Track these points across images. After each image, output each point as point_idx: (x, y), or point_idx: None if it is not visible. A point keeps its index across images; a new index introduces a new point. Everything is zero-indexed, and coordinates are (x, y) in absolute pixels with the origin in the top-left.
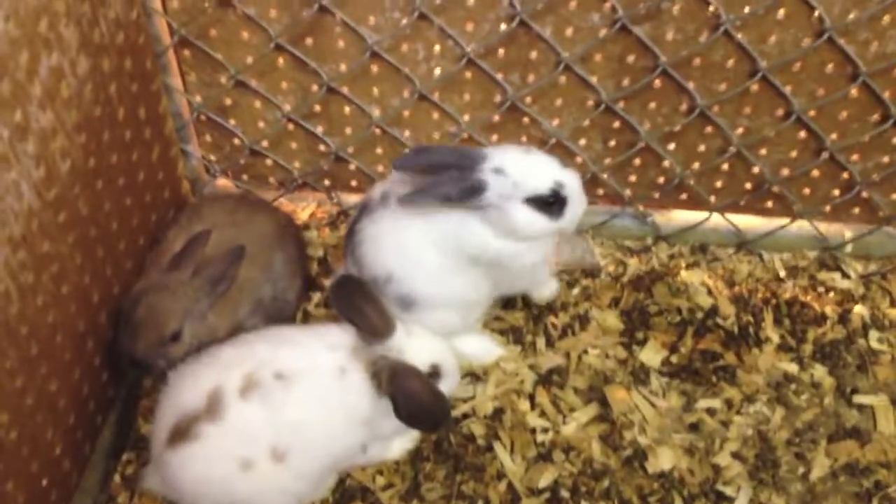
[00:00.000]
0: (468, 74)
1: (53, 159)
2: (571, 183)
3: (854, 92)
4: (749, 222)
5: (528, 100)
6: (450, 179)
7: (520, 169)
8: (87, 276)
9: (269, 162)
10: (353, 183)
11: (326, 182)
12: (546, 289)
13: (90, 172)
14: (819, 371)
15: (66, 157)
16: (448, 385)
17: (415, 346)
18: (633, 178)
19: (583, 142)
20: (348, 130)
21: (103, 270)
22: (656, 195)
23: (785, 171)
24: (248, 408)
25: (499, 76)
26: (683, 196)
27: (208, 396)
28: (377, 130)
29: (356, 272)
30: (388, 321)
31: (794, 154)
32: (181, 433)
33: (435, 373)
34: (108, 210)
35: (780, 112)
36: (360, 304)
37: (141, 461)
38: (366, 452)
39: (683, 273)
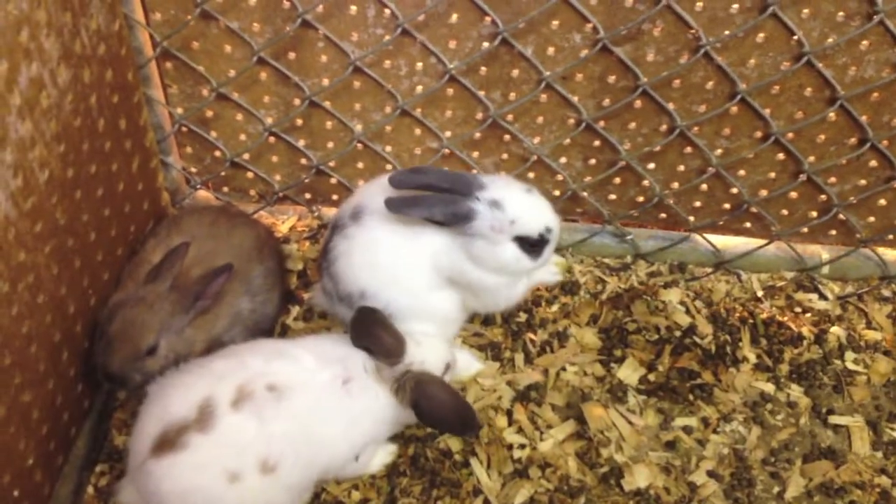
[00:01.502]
0: (450, 91)
1: (31, 169)
2: (556, 228)
3: (832, 115)
4: (727, 242)
5: (510, 117)
6: (440, 201)
7: (520, 208)
8: (64, 287)
9: (249, 174)
10: (335, 196)
11: (307, 195)
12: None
13: (68, 182)
14: (795, 391)
15: (44, 167)
16: (455, 371)
17: (428, 353)
18: (612, 197)
19: (563, 160)
20: (330, 144)
21: (80, 281)
22: (636, 214)
23: (763, 192)
24: (240, 419)
25: (481, 93)
26: (663, 215)
27: (199, 406)
28: (359, 145)
29: (332, 289)
30: (401, 340)
31: (772, 175)
32: (167, 442)
33: (448, 368)
34: (86, 220)
35: (758, 134)
36: (376, 331)
37: (115, 473)
38: (357, 461)
39: (662, 291)
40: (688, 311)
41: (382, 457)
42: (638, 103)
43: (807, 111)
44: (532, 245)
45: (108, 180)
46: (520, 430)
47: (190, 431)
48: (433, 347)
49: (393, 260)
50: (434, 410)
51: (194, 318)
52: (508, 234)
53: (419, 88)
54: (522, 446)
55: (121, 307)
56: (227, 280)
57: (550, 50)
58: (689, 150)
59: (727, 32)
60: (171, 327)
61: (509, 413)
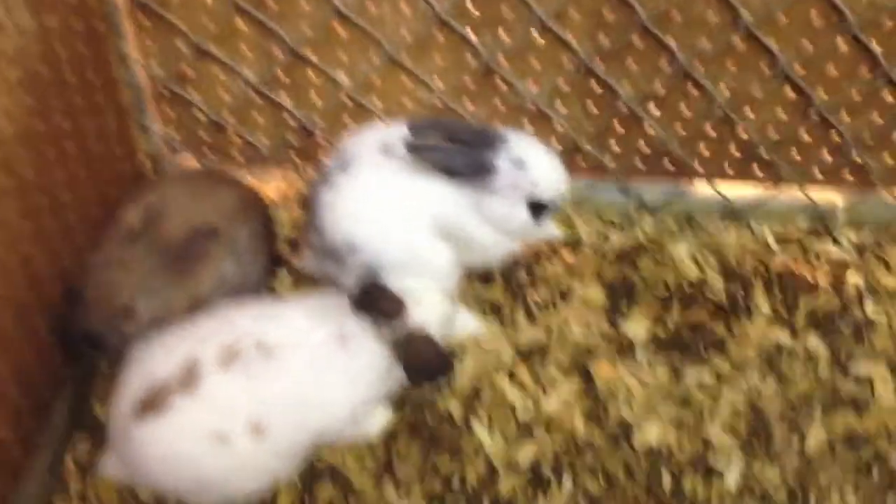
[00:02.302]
0: (440, 37)
1: None
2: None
3: (843, 46)
4: (737, 192)
5: (504, 62)
6: (462, 152)
7: (541, 171)
8: (36, 248)
9: (234, 137)
10: (324, 158)
11: (294, 156)
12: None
13: (37, 137)
14: (813, 341)
15: (10, 118)
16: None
17: (427, 312)
18: (614, 147)
19: (561, 108)
20: (316, 101)
21: (53, 242)
22: (639, 164)
23: (773, 134)
24: (227, 379)
25: (472, 36)
26: (668, 166)
27: (183, 366)
28: (346, 100)
29: (318, 243)
30: (399, 303)
31: (782, 115)
32: (150, 404)
33: (447, 323)
34: (58, 179)
35: (765, 69)
36: (375, 304)
37: (96, 446)
38: (355, 424)
39: (669, 245)
40: (697, 265)
41: (379, 421)
42: (637, 42)
43: (816, 42)
44: (542, 209)
45: (82, 138)
46: (523, 390)
47: (174, 392)
48: (433, 304)
49: (384, 209)
50: (413, 362)
51: (175, 280)
52: (526, 196)
53: (406, 35)
54: (526, 405)
55: (97, 268)
56: (209, 242)
57: None
58: (693, 91)
59: None
60: (149, 288)
61: (511, 373)
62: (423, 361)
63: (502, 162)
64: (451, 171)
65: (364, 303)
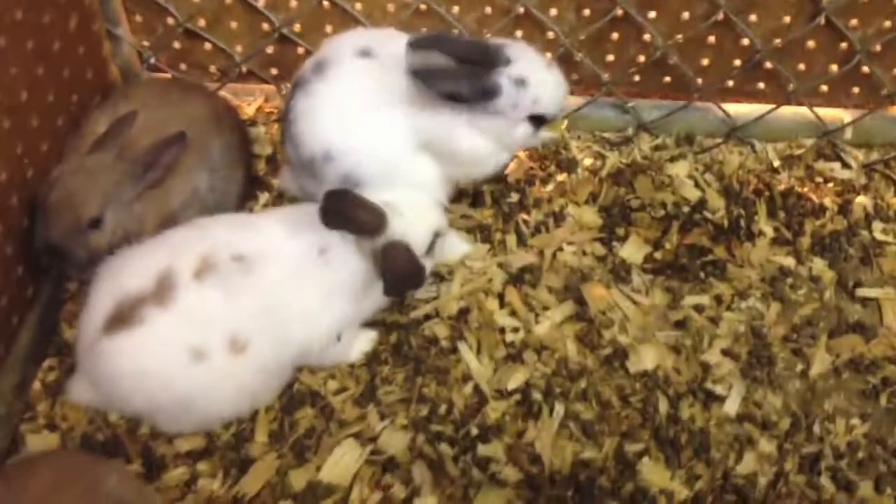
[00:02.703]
0: None
1: None
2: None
3: None
4: (740, 109)
5: None
6: (466, 75)
7: (543, 87)
8: None
9: (207, 46)
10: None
11: (273, 71)
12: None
13: None
14: (818, 264)
15: None
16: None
17: (411, 224)
18: (610, 58)
19: (553, 11)
20: (293, 3)
21: (12, 146)
22: (637, 78)
23: (777, 42)
24: (203, 291)
25: None
26: (667, 78)
27: (157, 278)
28: (325, 3)
29: (293, 155)
30: (380, 216)
31: (786, 19)
32: (122, 318)
33: (437, 237)
34: (13, 75)
35: None
36: (349, 213)
37: (64, 368)
38: (339, 342)
39: (668, 165)
40: (697, 185)
41: (362, 344)
42: None
43: None
44: (540, 121)
45: (39, 33)
46: (513, 314)
47: (147, 305)
48: (418, 217)
49: (364, 116)
50: (386, 272)
51: (144, 192)
52: (525, 112)
53: None
54: (516, 329)
55: (61, 178)
56: (180, 150)
57: None
58: None
59: None
60: (117, 199)
61: (501, 296)
62: (395, 271)
63: (504, 82)
64: (455, 97)
65: (335, 215)
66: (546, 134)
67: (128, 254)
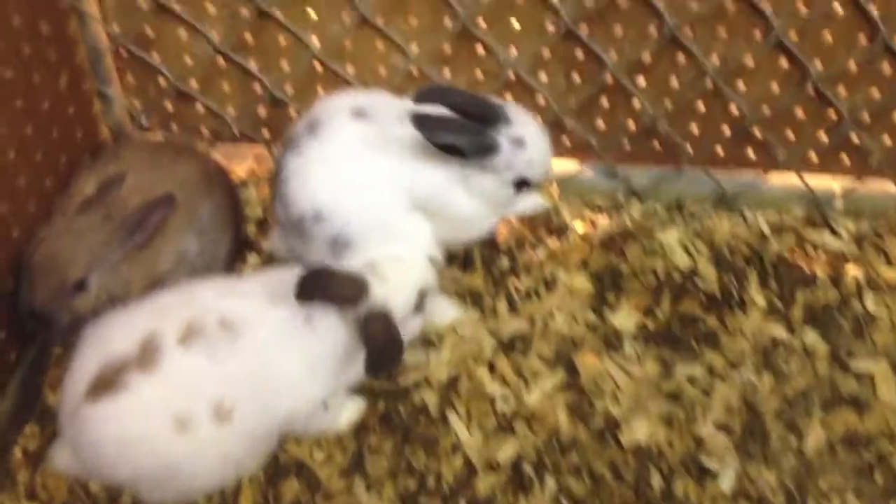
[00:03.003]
0: None
1: None
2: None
3: (838, 9)
4: (729, 176)
5: (482, 24)
6: (468, 129)
7: (536, 150)
8: None
9: (199, 108)
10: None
11: (265, 133)
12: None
13: None
14: (811, 336)
15: None
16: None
17: (393, 287)
18: (600, 125)
19: (544, 77)
20: (285, 66)
21: None
22: (627, 145)
23: (766, 110)
24: (189, 356)
25: None
26: (657, 146)
27: (141, 342)
28: (317, 66)
29: (283, 215)
30: (359, 285)
31: (774, 88)
32: (105, 383)
33: (422, 297)
34: (1, 134)
35: (758, 35)
36: (326, 290)
37: (46, 436)
38: (326, 410)
39: (658, 232)
40: (688, 253)
41: (349, 412)
42: (623, 4)
43: (811, 4)
44: (526, 185)
45: (29, 92)
46: (503, 382)
47: (131, 370)
48: (401, 279)
49: (355, 174)
50: (366, 346)
51: (131, 254)
52: (518, 174)
53: None
54: (506, 399)
55: (47, 239)
56: (168, 212)
57: None
58: (682, 59)
59: None
60: (103, 261)
61: (491, 364)
62: (374, 346)
63: (503, 140)
64: (456, 151)
65: (310, 292)
66: (538, 202)
67: (113, 317)
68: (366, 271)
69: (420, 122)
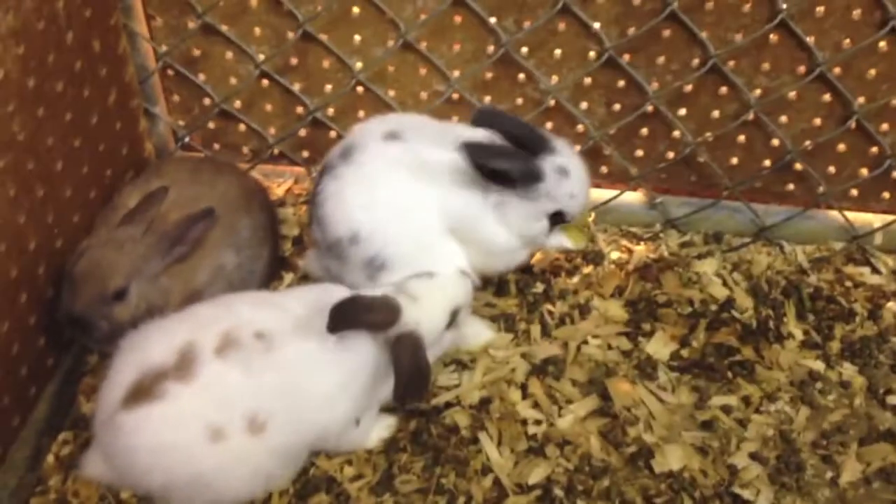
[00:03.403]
0: (457, 18)
1: None
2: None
3: (883, 44)
4: (768, 209)
5: (524, 50)
6: (518, 156)
7: (579, 182)
8: (23, 215)
9: (241, 127)
10: None
11: (305, 153)
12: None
13: (29, 93)
14: (848, 370)
15: None
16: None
17: (425, 309)
18: (639, 153)
19: (584, 105)
20: (328, 88)
21: (43, 215)
22: (665, 175)
23: (808, 144)
24: (225, 368)
25: (491, 20)
26: (694, 177)
27: (179, 352)
28: (359, 89)
29: (320, 238)
30: (391, 312)
31: (817, 122)
32: (143, 391)
33: (455, 315)
34: (50, 144)
35: (802, 69)
36: (359, 315)
37: (79, 443)
38: (358, 426)
39: (695, 262)
40: (725, 284)
41: (380, 430)
42: (667, 33)
43: (855, 38)
44: (560, 219)
45: (79, 106)
46: (536, 405)
47: (168, 379)
48: (434, 300)
49: (391, 196)
50: (394, 371)
51: (171, 266)
52: (558, 206)
53: (424, 16)
54: (538, 422)
55: (89, 249)
56: (208, 226)
57: None
58: (724, 90)
59: None
60: (143, 272)
61: (524, 387)
62: (401, 372)
63: (548, 169)
64: (502, 177)
65: (340, 320)
66: (567, 244)
67: (152, 327)
68: (397, 292)
69: (470, 149)
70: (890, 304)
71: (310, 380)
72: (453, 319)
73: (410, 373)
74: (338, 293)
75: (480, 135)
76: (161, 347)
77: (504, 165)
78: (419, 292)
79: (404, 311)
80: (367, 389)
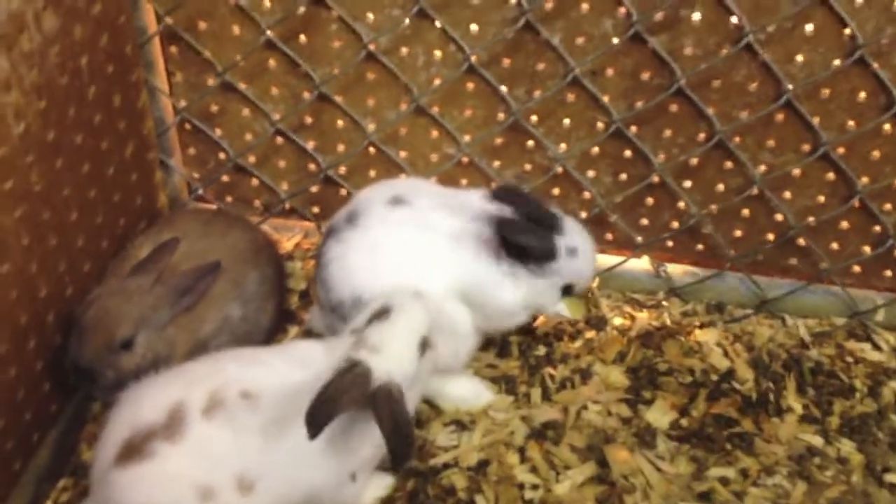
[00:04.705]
0: (470, 85)
1: (4, 114)
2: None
3: (888, 127)
4: (771, 282)
5: (534, 119)
6: (540, 235)
7: (586, 262)
8: (35, 264)
9: (254, 182)
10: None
11: (315, 209)
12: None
13: (48, 146)
14: (847, 446)
15: (19, 117)
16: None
17: (393, 357)
18: (644, 222)
19: (591, 173)
20: (341, 147)
21: (55, 263)
22: (670, 244)
23: (811, 220)
24: (212, 429)
25: (503, 88)
26: (699, 247)
27: (168, 412)
28: (371, 150)
29: (324, 298)
30: (361, 378)
31: (821, 199)
32: (134, 450)
33: (424, 343)
34: (66, 195)
35: (806, 147)
36: (337, 408)
37: (78, 490)
38: (353, 487)
39: (697, 332)
40: (726, 355)
41: (376, 489)
42: (674, 108)
43: (860, 120)
44: (566, 291)
45: (96, 158)
46: (533, 470)
47: (158, 438)
48: (395, 346)
49: (393, 260)
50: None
51: (177, 317)
52: (566, 281)
53: (437, 82)
54: (535, 487)
55: (98, 298)
56: (212, 277)
57: (580, 40)
58: (729, 165)
59: (772, 28)
60: (150, 322)
61: (522, 450)
62: (386, 433)
63: (561, 248)
64: (524, 251)
65: (316, 419)
66: (567, 314)
67: (145, 384)
68: (357, 345)
69: (500, 223)
70: (890, 383)
71: (296, 437)
72: (425, 347)
73: (392, 430)
74: (322, 349)
75: (492, 206)
76: (152, 406)
77: (530, 242)
78: (379, 341)
79: (371, 367)
80: (355, 444)
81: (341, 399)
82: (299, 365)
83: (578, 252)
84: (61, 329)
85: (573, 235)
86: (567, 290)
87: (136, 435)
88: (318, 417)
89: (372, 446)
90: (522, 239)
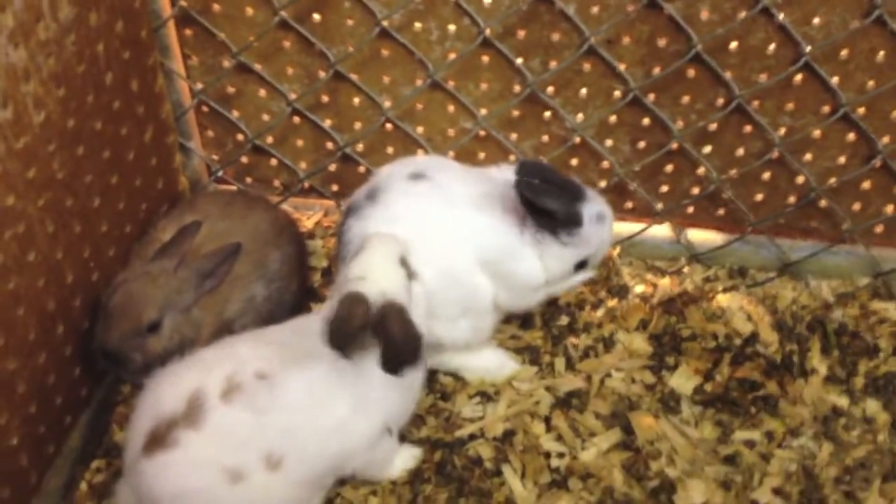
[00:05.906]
0: (485, 59)
1: (24, 104)
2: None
3: None
4: (793, 245)
5: (550, 89)
6: (563, 199)
7: (608, 231)
8: (60, 250)
9: (273, 162)
10: None
11: (334, 187)
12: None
13: (69, 133)
14: (872, 406)
15: (39, 106)
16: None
17: (379, 280)
18: (664, 189)
19: (609, 142)
20: (358, 125)
21: (80, 249)
22: (690, 210)
23: (832, 181)
24: (232, 413)
25: (518, 61)
26: (720, 212)
27: (188, 399)
28: (388, 126)
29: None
30: (357, 300)
31: (842, 160)
32: (158, 439)
33: (404, 262)
34: (88, 182)
35: (826, 109)
36: (353, 336)
37: (112, 471)
38: (378, 455)
39: (720, 297)
40: (749, 319)
41: (405, 460)
42: (691, 73)
43: (879, 80)
44: (584, 264)
45: (116, 144)
46: (559, 438)
47: (179, 427)
48: (378, 270)
49: (420, 235)
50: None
51: (202, 299)
52: (591, 251)
53: (452, 56)
54: (561, 455)
55: (124, 282)
56: (234, 259)
57: (594, 9)
58: (748, 128)
59: None
60: (176, 305)
61: (547, 420)
62: (389, 338)
63: (587, 215)
64: (550, 214)
65: (345, 340)
66: (583, 276)
67: (163, 373)
68: (345, 285)
69: (524, 185)
70: None
71: (319, 408)
72: (409, 272)
73: (403, 335)
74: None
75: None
76: (171, 395)
77: (553, 205)
78: (360, 270)
79: (365, 293)
80: (380, 412)
81: (352, 321)
82: (314, 337)
83: (606, 221)
84: (88, 314)
85: (599, 204)
86: (580, 266)
87: (159, 425)
88: (338, 341)
89: (397, 394)
90: (548, 202)
